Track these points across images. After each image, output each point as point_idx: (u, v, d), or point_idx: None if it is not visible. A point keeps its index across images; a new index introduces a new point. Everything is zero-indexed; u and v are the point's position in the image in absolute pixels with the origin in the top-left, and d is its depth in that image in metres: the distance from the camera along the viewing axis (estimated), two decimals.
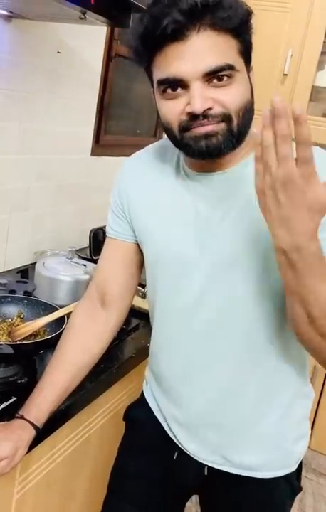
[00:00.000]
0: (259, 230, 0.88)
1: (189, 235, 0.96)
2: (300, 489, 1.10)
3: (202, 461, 1.05)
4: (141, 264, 1.11)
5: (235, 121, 0.86)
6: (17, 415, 0.98)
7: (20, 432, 0.95)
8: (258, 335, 0.96)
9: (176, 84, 0.84)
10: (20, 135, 1.69)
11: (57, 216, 2.00)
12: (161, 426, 1.11)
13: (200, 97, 0.82)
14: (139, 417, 1.18)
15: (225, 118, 0.85)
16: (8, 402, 1.05)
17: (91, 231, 1.95)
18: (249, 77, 0.89)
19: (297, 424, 1.05)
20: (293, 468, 1.06)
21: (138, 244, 1.08)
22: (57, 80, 1.78)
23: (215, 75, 0.82)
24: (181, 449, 1.08)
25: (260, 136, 0.75)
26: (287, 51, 2.40)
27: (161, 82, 0.85)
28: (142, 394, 1.20)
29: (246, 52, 0.87)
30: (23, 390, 1.09)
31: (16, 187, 1.75)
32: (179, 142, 0.90)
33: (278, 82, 2.45)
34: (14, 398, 1.06)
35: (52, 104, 1.79)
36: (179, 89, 0.84)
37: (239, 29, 0.83)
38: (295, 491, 1.10)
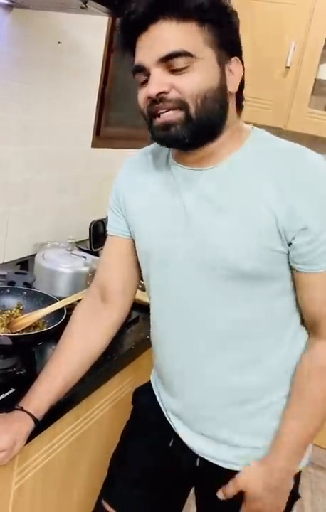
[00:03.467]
0: (244, 225, 0.91)
1: (177, 229, 0.98)
2: (297, 497, 1.09)
3: (195, 452, 1.07)
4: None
5: (192, 109, 0.87)
6: (16, 407, 0.98)
7: (19, 424, 0.95)
8: (248, 330, 0.98)
9: (143, 74, 0.89)
10: (20, 126, 1.68)
11: (57, 208, 2.00)
12: (162, 413, 1.14)
13: (154, 81, 0.87)
14: (144, 402, 1.22)
15: (181, 104, 0.87)
16: (7, 394, 1.05)
17: (91, 223, 1.95)
18: (224, 70, 0.89)
19: None
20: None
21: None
22: (57, 71, 1.77)
23: (171, 62, 0.85)
24: (176, 437, 1.10)
25: (251, 131, 0.89)
26: (290, 44, 2.39)
27: (134, 72, 0.91)
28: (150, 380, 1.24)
29: (225, 44, 0.88)
30: (22, 381, 1.09)
31: (16, 179, 1.74)
32: (149, 129, 0.95)
33: (281, 75, 2.43)
34: (13, 390, 1.06)
35: (52, 95, 1.78)
36: (147, 79, 0.89)
37: (204, 18, 0.85)
38: (294, 495, 1.07)
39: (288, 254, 0.92)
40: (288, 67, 2.42)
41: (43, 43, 1.66)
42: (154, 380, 1.21)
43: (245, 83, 0.95)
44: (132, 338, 1.43)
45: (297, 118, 2.42)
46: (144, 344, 1.44)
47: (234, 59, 0.91)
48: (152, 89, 0.87)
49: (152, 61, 0.86)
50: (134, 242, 1.09)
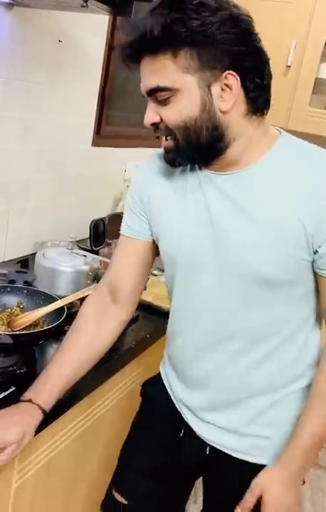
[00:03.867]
0: (269, 232, 0.92)
1: (202, 233, 0.99)
2: (303, 486, 1.11)
3: (205, 441, 1.10)
4: (152, 261, 1.15)
5: (179, 137, 0.93)
6: (23, 399, 0.98)
7: (27, 416, 0.95)
8: (267, 331, 1.00)
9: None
10: (21, 125, 1.68)
11: (57, 207, 2.00)
12: (173, 403, 1.16)
13: (148, 112, 0.94)
14: (153, 393, 1.24)
15: (171, 133, 0.94)
16: (7, 392, 1.05)
17: (92, 222, 1.95)
18: (208, 93, 0.88)
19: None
20: None
21: (152, 242, 1.11)
22: (58, 69, 1.77)
23: (155, 96, 0.91)
24: (187, 427, 1.13)
25: (278, 136, 0.94)
26: (290, 43, 2.39)
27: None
28: (160, 371, 1.25)
29: (210, 63, 0.86)
30: (22, 380, 1.09)
31: (17, 177, 1.74)
32: None
33: (281, 74, 2.43)
34: (13, 388, 1.06)
35: (53, 93, 1.78)
36: None
37: (174, 46, 0.85)
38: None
39: (313, 261, 0.93)
40: (289, 66, 2.42)
41: (43, 41, 1.66)
42: (164, 372, 1.23)
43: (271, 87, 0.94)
44: (132, 336, 1.43)
45: (297, 117, 2.43)
46: (145, 343, 1.45)
47: (227, 73, 0.87)
48: (146, 119, 0.94)
49: (144, 92, 0.93)
50: (151, 244, 1.11)
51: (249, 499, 0.97)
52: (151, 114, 0.93)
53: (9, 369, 1.11)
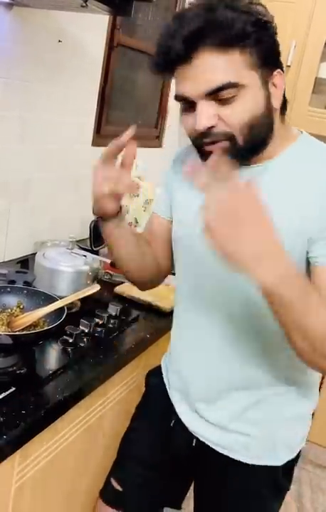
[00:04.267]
0: (281, 220, 0.88)
1: None
2: (287, 489, 1.13)
3: (192, 433, 1.12)
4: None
5: (240, 139, 0.89)
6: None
7: None
8: (260, 324, 0.99)
9: (187, 103, 0.90)
10: (21, 125, 1.68)
11: (57, 207, 2.00)
12: (168, 393, 1.18)
13: (202, 116, 0.87)
14: (152, 383, 1.27)
15: (229, 137, 0.89)
16: (7, 393, 1.05)
17: (91, 222, 1.95)
18: (268, 88, 0.90)
19: (289, 420, 1.08)
20: (278, 462, 1.08)
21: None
22: (58, 69, 1.76)
23: (219, 94, 0.85)
24: (177, 417, 1.15)
25: (297, 136, 0.94)
26: (290, 42, 2.38)
27: (175, 98, 0.92)
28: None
29: (267, 61, 0.88)
30: (22, 380, 1.09)
31: (17, 177, 1.74)
32: (198, 151, 0.95)
33: None
34: (13, 388, 1.06)
35: (53, 93, 1.78)
36: (192, 107, 0.89)
37: (245, 42, 0.84)
38: (280, 489, 1.12)
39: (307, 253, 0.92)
40: (289, 66, 2.42)
41: (43, 41, 1.66)
42: (163, 361, 1.26)
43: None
44: (132, 336, 1.43)
45: (297, 117, 2.42)
46: (145, 343, 1.45)
47: (277, 72, 0.90)
48: (200, 123, 0.87)
49: (198, 94, 0.86)
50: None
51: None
52: (208, 117, 0.87)
53: (9, 369, 1.11)
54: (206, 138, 0.89)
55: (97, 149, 2.14)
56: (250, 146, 0.90)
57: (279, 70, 0.91)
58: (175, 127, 2.80)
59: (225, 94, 0.85)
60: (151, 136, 2.66)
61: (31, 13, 1.55)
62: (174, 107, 2.72)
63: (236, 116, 0.87)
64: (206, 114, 0.87)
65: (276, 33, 0.90)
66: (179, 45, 0.83)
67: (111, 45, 2.06)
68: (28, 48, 1.60)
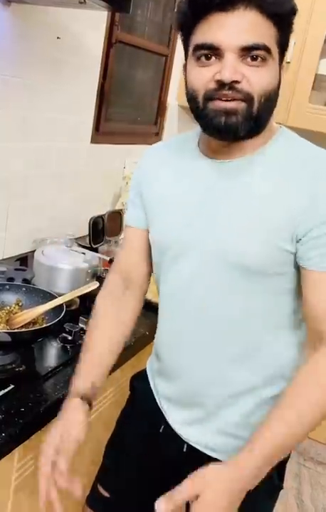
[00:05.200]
0: (258, 221, 0.92)
1: (190, 220, 0.99)
2: (280, 488, 1.12)
3: (183, 438, 1.09)
4: None
5: (255, 105, 0.88)
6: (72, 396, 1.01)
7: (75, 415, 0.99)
8: (245, 324, 0.98)
9: (211, 53, 0.86)
10: (19, 122, 1.68)
11: (56, 204, 1.99)
12: (155, 398, 1.16)
13: (231, 66, 0.84)
14: (138, 388, 1.24)
15: (248, 98, 0.87)
16: (6, 390, 1.05)
17: (90, 219, 1.95)
18: (280, 72, 0.92)
19: None
20: None
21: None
22: (57, 66, 1.76)
23: (250, 53, 0.84)
24: (166, 423, 1.12)
25: (278, 129, 0.93)
26: (290, 39, 2.37)
27: (197, 47, 0.87)
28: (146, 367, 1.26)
29: (282, 47, 0.90)
30: (21, 377, 1.09)
31: (15, 174, 1.73)
32: (200, 113, 0.91)
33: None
34: (12, 386, 1.06)
35: (51, 90, 1.77)
36: (213, 59, 0.86)
37: (282, 21, 0.86)
38: (274, 489, 1.10)
39: (295, 254, 0.92)
40: (288, 63, 2.40)
41: (41, 38, 1.65)
42: (149, 366, 1.23)
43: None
44: (131, 334, 1.43)
45: (297, 113, 2.42)
46: (144, 340, 1.45)
47: (283, 65, 0.93)
48: (227, 74, 0.84)
49: (233, 45, 0.84)
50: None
51: (184, 491, 0.85)
52: (234, 70, 0.84)
53: (8, 367, 1.11)
54: (225, 90, 0.86)
55: (95, 146, 2.14)
56: (261, 117, 0.89)
57: (283, 64, 0.93)
58: (174, 124, 2.80)
59: (258, 54, 0.85)
60: (150, 133, 2.65)
61: (30, 9, 1.55)
62: (173, 104, 2.72)
63: (262, 81, 0.87)
64: (232, 67, 0.84)
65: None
66: None
67: (110, 42, 2.05)
68: (26, 45, 1.60)
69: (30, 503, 1.17)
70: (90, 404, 1.02)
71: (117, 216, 2.18)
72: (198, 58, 0.88)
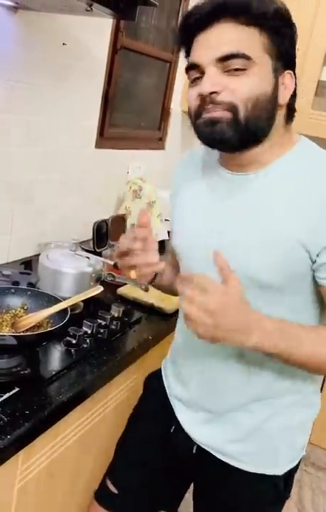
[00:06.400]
0: (271, 237, 0.92)
1: (208, 230, 1.00)
2: (287, 497, 1.13)
3: (192, 439, 1.11)
4: None
5: (241, 113, 0.88)
6: None
7: None
8: None
9: (198, 73, 0.90)
10: (25, 127, 1.69)
11: (61, 208, 2.01)
12: (167, 398, 1.18)
13: (208, 79, 0.87)
14: (151, 387, 1.27)
15: (231, 107, 0.88)
16: (11, 393, 1.05)
17: (95, 223, 1.96)
18: (277, 77, 0.90)
19: (290, 429, 1.07)
20: (279, 471, 1.07)
21: None
22: (62, 72, 1.78)
23: (228, 63, 0.86)
24: (177, 423, 1.14)
25: (296, 143, 0.95)
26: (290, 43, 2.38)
27: (187, 70, 0.92)
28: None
29: (280, 52, 0.89)
30: (26, 381, 1.10)
31: (20, 179, 1.75)
32: (195, 129, 0.94)
33: None
34: (17, 389, 1.07)
35: (57, 96, 1.79)
36: (200, 78, 0.89)
37: (266, 25, 0.86)
38: (280, 497, 1.12)
39: (313, 271, 0.92)
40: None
41: (47, 44, 1.67)
42: (164, 367, 1.25)
43: (296, 96, 0.96)
44: (134, 338, 1.44)
45: (300, 119, 2.41)
46: (147, 344, 1.45)
47: (287, 72, 0.91)
48: (205, 87, 0.87)
49: (209, 60, 0.87)
50: None
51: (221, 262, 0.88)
52: (213, 82, 0.86)
53: (13, 370, 1.12)
54: (207, 105, 0.89)
55: (100, 151, 2.15)
56: (250, 124, 0.88)
57: (290, 71, 0.92)
58: (178, 130, 2.81)
59: (235, 63, 0.86)
60: (154, 138, 2.67)
61: (36, 16, 1.56)
62: (176, 109, 2.73)
63: (243, 88, 0.87)
64: (213, 79, 0.87)
65: (296, 40, 0.91)
66: (204, 12, 0.86)
67: (115, 48, 2.07)
68: (32, 51, 1.61)
69: (34, 505, 1.17)
70: None
71: (120, 220, 2.19)
72: (191, 80, 0.92)
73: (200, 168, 1.07)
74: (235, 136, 0.89)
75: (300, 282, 0.93)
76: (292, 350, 0.89)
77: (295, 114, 0.98)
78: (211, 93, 0.87)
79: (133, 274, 0.98)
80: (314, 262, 0.90)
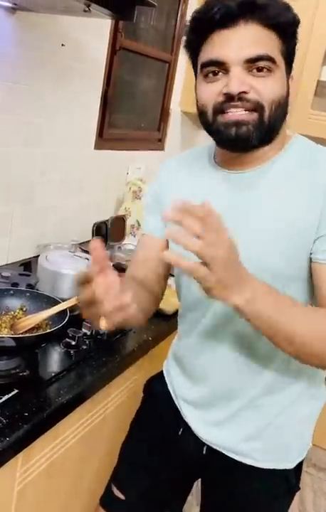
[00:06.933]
0: (271, 229, 0.93)
1: None
2: (297, 488, 1.13)
3: (203, 440, 1.10)
4: None
5: (267, 112, 0.90)
6: None
7: None
8: None
9: (217, 69, 0.90)
10: (24, 128, 1.69)
11: (60, 209, 2.00)
12: (173, 401, 1.17)
13: (238, 79, 0.88)
14: (154, 391, 1.25)
15: (258, 107, 0.89)
16: (10, 395, 1.05)
17: (94, 224, 1.96)
18: (288, 81, 0.94)
19: (299, 422, 1.08)
20: (290, 464, 1.08)
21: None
22: (61, 73, 1.77)
23: (255, 65, 0.88)
24: (185, 424, 1.13)
25: (292, 137, 0.95)
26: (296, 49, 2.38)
27: (204, 65, 0.91)
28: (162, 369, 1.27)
29: (289, 57, 0.93)
30: (25, 382, 1.10)
31: (20, 180, 1.75)
32: (210, 126, 0.94)
33: None
34: (16, 391, 1.06)
35: (56, 97, 1.79)
36: (220, 74, 0.90)
37: (284, 31, 0.89)
38: (291, 489, 1.12)
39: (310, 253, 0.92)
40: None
41: (46, 45, 1.67)
42: (166, 369, 1.24)
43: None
44: (134, 340, 1.43)
45: (299, 120, 2.43)
46: (147, 345, 1.45)
47: (291, 76, 0.95)
48: (234, 86, 0.87)
49: (237, 59, 0.87)
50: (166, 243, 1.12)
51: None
52: (241, 82, 0.88)
53: (12, 371, 1.12)
54: (234, 102, 0.89)
55: (99, 152, 2.15)
56: (272, 125, 0.92)
57: (292, 75, 0.96)
58: (177, 130, 2.81)
59: (263, 64, 0.88)
60: (154, 139, 2.67)
61: (34, 17, 1.56)
62: (176, 110, 2.73)
63: (269, 89, 0.89)
64: (238, 79, 0.88)
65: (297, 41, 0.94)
66: (230, 9, 0.86)
67: (114, 49, 2.06)
68: (31, 52, 1.61)
69: (33, 508, 1.17)
70: None
71: (120, 221, 2.19)
72: (206, 75, 0.91)
73: (190, 171, 1.08)
74: (259, 137, 0.91)
75: (302, 270, 0.94)
76: (283, 318, 0.83)
77: (291, 113, 0.99)
78: (240, 93, 0.88)
79: (104, 323, 0.79)
80: (314, 243, 0.91)
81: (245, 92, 0.88)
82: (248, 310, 0.80)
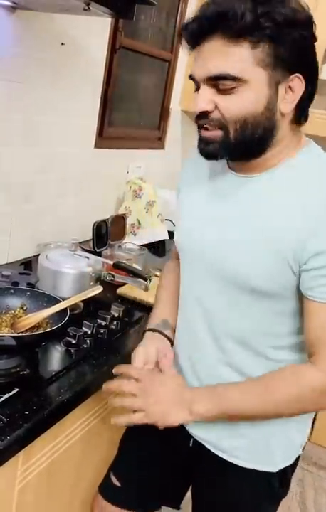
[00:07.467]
0: (264, 241, 0.93)
1: (201, 231, 1.03)
2: (283, 495, 1.14)
3: (189, 432, 1.13)
4: None
5: (231, 132, 0.89)
6: (149, 329, 1.17)
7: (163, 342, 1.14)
8: (244, 336, 1.01)
9: (195, 82, 0.91)
10: (24, 127, 1.69)
11: (60, 208, 2.00)
12: None
13: (201, 98, 0.88)
14: None
15: (222, 126, 0.89)
16: (11, 394, 1.05)
17: (94, 223, 1.95)
18: (276, 88, 0.87)
19: (285, 424, 1.06)
20: (273, 468, 1.08)
21: None
22: (61, 72, 1.77)
23: (217, 83, 0.86)
24: None
25: (304, 146, 0.96)
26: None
27: (189, 77, 0.93)
28: None
29: (285, 62, 0.85)
30: (26, 381, 1.10)
31: (20, 179, 1.74)
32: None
33: None
34: (16, 390, 1.06)
35: (55, 96, 1.78)
36: (197, 86, 0.91)
37: (256, 36, 0.82)
38: (274, 495, 1.12)
39: (299, 278, 0.92)
40: None
41: (46, 44, 1.66)
42: None
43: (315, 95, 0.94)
44: (135, 338, 1.43)
45: None
46: None
47: (295, 76, 0.87)
48: (198, 106, 0.89)
49: (201, 76, 0.88)
50: None
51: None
52: (205, 101, 0.88)
53: (13, 370, 1.12)
54: (201, 120, 0.91)
55: (99, 151, 2.15)
56: (241, 144, 0.90)
57: (299, 74, 0.87)
58: (177, 129, 2.81)
59: (224, 84, 0.86)
60: (153, 138, 2.67)
61: (34, 16, 1.56)
62: (176, 108, 2.73)
63: (232, 108, 0.87)
64: (204, 98, 0.88)
65: (310, 36, 0.89)
66: (194, 29, 0.86)
67: (113, 48, 2.06)
68: (30, 51, 1.61)
69: (34, 506, 1.17)
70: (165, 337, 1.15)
71: (120, 220, 2.19)
72: (195, 88, 0.93)
73: (208, 169, 1.08)
74: (228, 153, 0.93)
75: (290, 289, 0.93)
76: (239, 408, 0.96)
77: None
78: (203, 112, 0.89)
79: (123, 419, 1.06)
80: (300, 267, 0.90)
81: (207, 112, 0.89)
82: (200, 419, 0.97)
